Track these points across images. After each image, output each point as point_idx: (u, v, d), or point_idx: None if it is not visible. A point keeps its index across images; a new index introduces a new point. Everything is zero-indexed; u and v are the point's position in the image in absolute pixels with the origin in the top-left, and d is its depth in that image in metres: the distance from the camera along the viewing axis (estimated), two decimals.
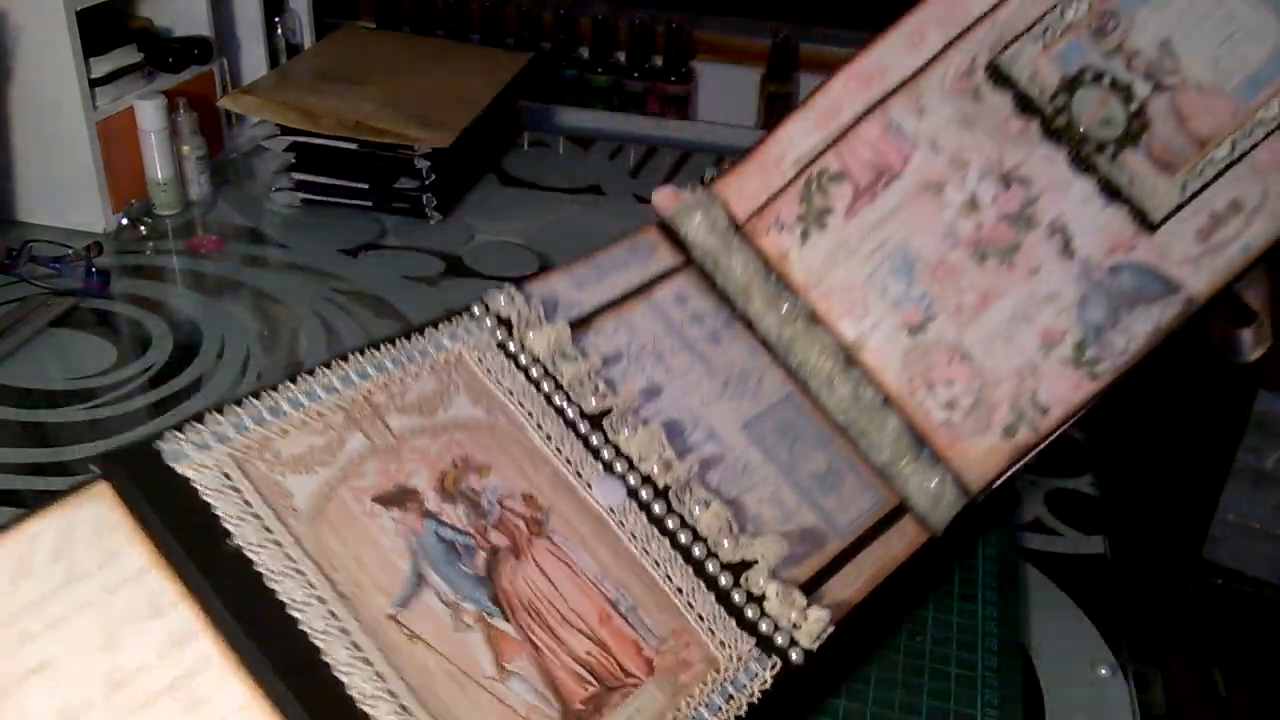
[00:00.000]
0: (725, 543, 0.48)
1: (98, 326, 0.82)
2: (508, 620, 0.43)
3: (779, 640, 0.46)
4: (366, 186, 0.99)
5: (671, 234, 0.60)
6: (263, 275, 0.90)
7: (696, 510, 0.49)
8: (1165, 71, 0.57)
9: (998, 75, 0.58)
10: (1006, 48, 0.58)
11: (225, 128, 1.10)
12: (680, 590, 0.47)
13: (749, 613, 0.47)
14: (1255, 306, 0.58)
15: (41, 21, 0.86)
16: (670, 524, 0.48)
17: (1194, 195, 0.55)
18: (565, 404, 0.51)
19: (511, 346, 0.52)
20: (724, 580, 0.47)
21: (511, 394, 0.50)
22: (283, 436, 0.44)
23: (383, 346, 0.49)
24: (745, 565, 0.48)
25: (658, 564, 0.47)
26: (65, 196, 0.93)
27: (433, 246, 0.95)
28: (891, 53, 0.61)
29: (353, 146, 0.97)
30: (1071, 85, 0.57)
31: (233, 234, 0.96)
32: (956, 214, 0.57)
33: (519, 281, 0.55)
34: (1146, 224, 0.55)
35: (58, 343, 0.80)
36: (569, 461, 0.49)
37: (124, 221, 0.94)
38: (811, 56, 1.35)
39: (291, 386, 0.46)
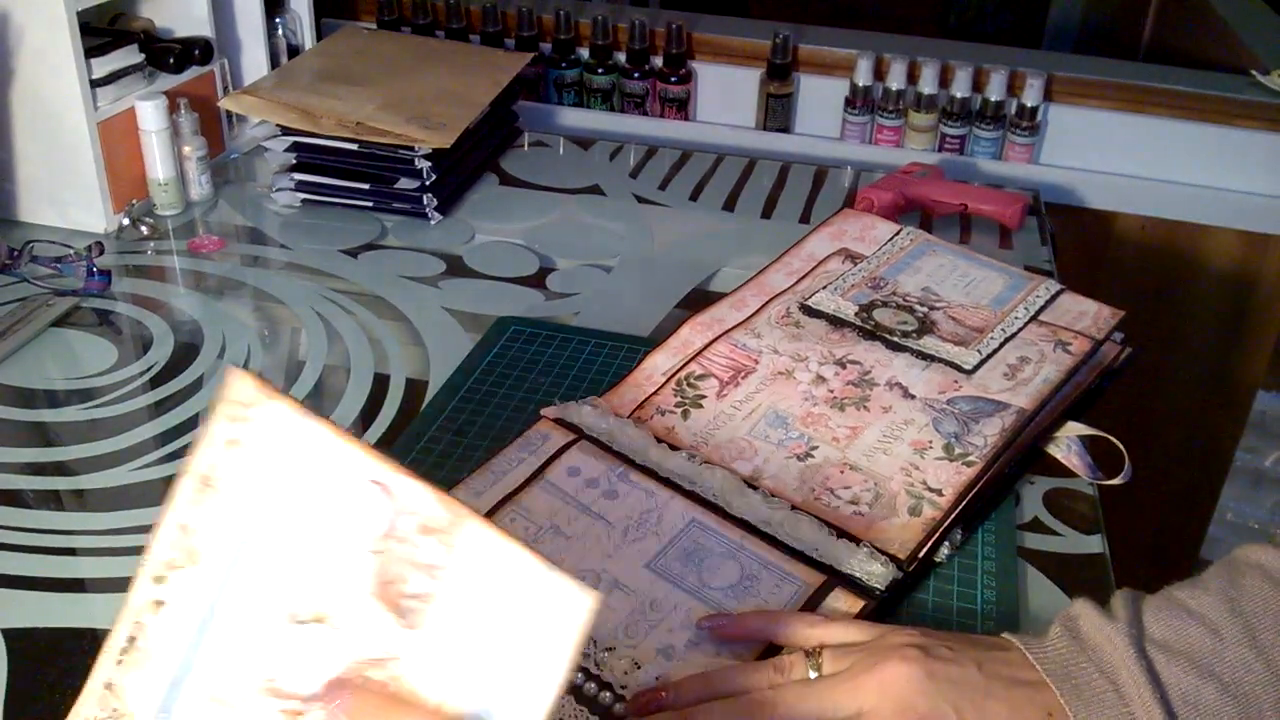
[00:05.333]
0: (631, 683, 0.49)
1: (99, 326, 0.82)
2: None
3: None
4: (367, 187, 0.99)
5: (563, 422, 0.67)
6: (263, 275, 0.90)
7: (602, 658, 0.50)
8: (933, 300, 0.78)
9: (810, 311, 0.77)
10: (810, 298, 0.78)
11: (226, 128, 1.10)
12: None
13: None
14: (1113, 449, 0.68)
15: (43, 23, 0.86)
16: (575, 679, 0.49)
17: (989, 356, 0.72)
18: None
19: None
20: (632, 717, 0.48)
21: None
22: None
23: None
24: None
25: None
26: (67, 197, 0.93)
27: (433, 246, 0.95)
28: (722, 311, 0.78)
29: (353, 147, 0.97)
30: (869, 308, 0.76)
31: (233, 234, 0.96)
32: (810, 385, 0.70)
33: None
34: (963, 371, 0.70)
35: (59, 342, 0.80)
36: None
37: (125, 221, 0.94)
38: (811, 57, 1.35)
39: None
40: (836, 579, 0.55)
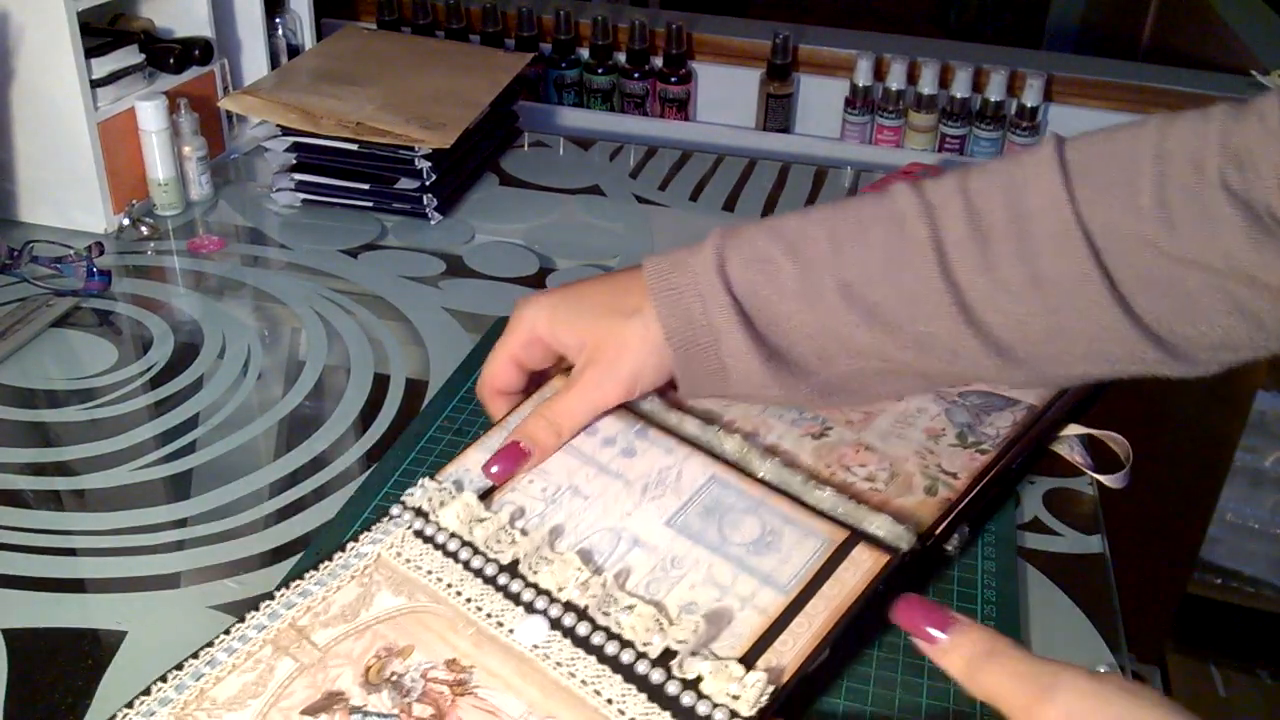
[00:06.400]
0: (655, 639, 0.48)
1: (99, 326, 0.82)
2: None
3: (718, 717, 0.46)
4: (367, 187, 0.99)
5: None
6: (263, 275, 0.90)
7: (623, 618, 0.49)
8: None
9: None
10: None
11: (226, 128, 1.10)
12: (610, 700, 0.47)
13: (685, 700, 0.47)
14: (1117, 450, 0.68)
15: (43, 22, 0.86)
16: (596, 640, 0.49)
17: None
18: (484, 564, 0.53)
19: (428, 530, 0.55)
20: (655, 676, 0.47)
21: (430, 573, 0.53)
22: (219, 683, 0.48)
23: (306, 575, 0.53)
24: (672, 654, 0.48)
25: (585, 682, 0.47)
26: (66, 197, 0.93)
27: (433, 246, 0.95)
28: None
29: (353, 147, 0.97)
30: None
31: (233, 234, 0.96)
32: None
33: (434, 474, 0.59)
34: None
35: (59, 343, 0.80)
36: (489, 615, 0.51)
37: (125, 222, 0.94)
38: (811, 57, 1.35)
39: (225, 637, 0.50)
40: (860, 535, 0.54)
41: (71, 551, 0.60)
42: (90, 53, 0.90)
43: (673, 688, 0.47)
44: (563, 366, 0.63)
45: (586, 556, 0.53)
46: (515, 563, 0.53)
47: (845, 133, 1.34)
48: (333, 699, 0.48)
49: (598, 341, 0.58)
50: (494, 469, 0.57)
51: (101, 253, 0.87)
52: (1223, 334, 0.50)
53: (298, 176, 1.00)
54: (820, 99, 1.35)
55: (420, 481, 0.58)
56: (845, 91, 1.33)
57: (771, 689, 0.46)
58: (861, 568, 0.53)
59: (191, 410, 0.73)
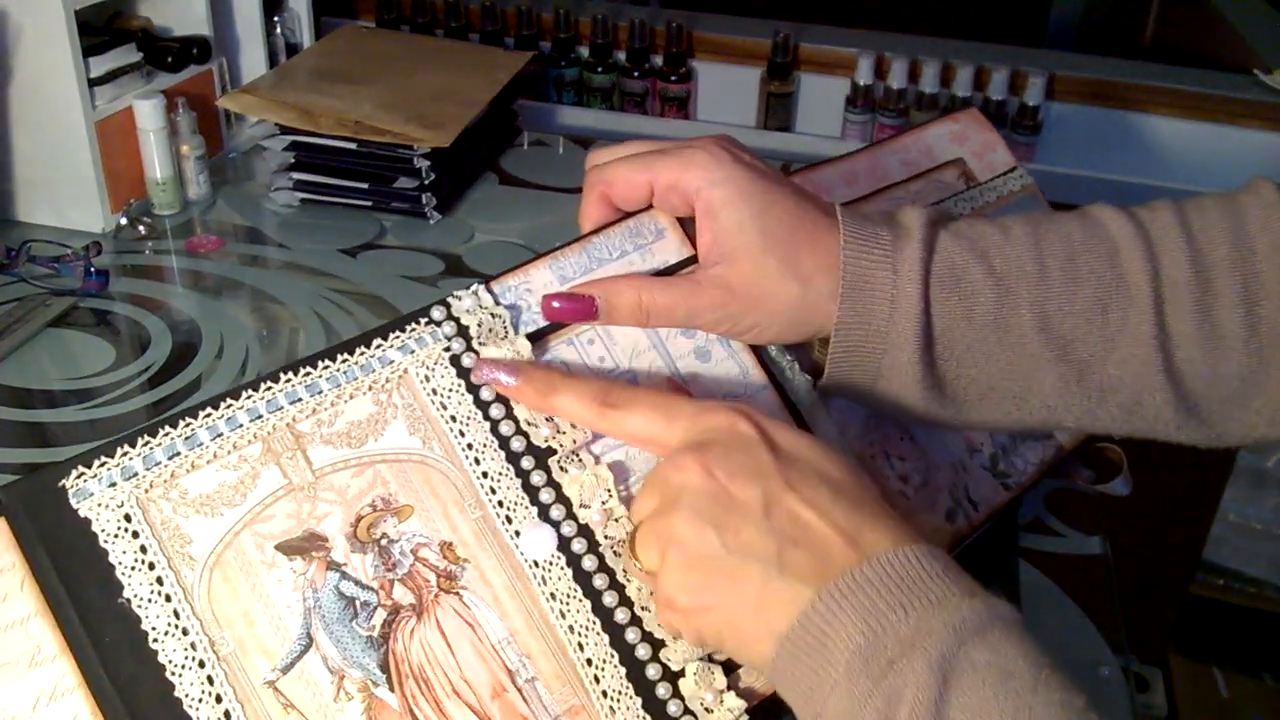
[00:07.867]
0: (654, 607, 0.44)
1: (97, 326, 0.82)
2: (392, 690, 0.41)
3: None
4: (366, 186, 0.99)
5: (686, 228, 0.54)
6: (262, 275, 0.90)
7: (632, 566, 0.45)
8: None
9: None
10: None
11: (224, 127, 1.10)
12: (590, 661, 0.43)
13: (660, 691, 0.43)
14: (1114, 459, 0.67)
15: (41, 21, 0.86)
16: (598, 583, 0.45)
17: None
18: (513, 434, 0.46)
19: (466, 361, 0.47)
20: (641, 652, 0.44)
21: (455, 420, 0.46)
22: (193, 472, 0.42)
23: (320, 363, 0.45)
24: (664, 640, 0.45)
25: (572, 629, 0.43)
26: (64, 196, 0.93)
27: (432, 246, 0.95)
28: (830, 176, 0.67)
29: (352, 146, 0.97)
30: None
31: (232, 233, 0.96)
32: None
33: (493, 277, 0.50)
34: None
35: (57, 342, 0.80)
36: (501, 504, 0.45)
37: (123, 221, 0.94)
38: (812, 56, 1.35)
39: (212, 413, 0.43)
40: None
41: None
42: (88, 51, 0.90)
43: (653, 671, 0.44)
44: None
45: (621, 473, 0.47)
46: (548, 452, 0.46)
47: (846, 131, 1.34)
48: (314, 542, 0.42)
49: (748, 273, 0.49)
50: (555, 305, 0.49)
51: (99, 252, 0.87)
52: None
53: (296, 175, 0.99)
54: (821, 97, 1.35)
55: (473, 288, 0.48)
56: (846, 90, 1.32)
57: (745, 718, 0.44)
58: None
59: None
